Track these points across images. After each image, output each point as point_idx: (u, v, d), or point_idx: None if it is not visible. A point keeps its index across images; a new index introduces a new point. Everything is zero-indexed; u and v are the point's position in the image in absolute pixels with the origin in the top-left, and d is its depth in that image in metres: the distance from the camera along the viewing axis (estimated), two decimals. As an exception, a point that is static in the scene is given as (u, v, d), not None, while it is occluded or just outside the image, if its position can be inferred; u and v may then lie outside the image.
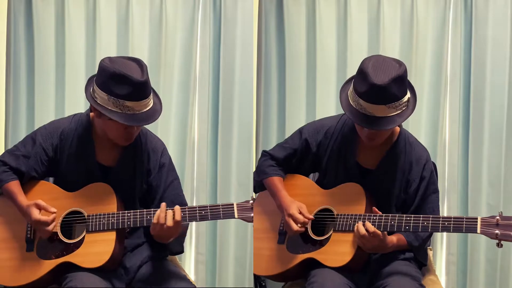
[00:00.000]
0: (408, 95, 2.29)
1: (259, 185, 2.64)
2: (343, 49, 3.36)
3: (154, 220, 2.26)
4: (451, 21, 3.32)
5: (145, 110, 2.28)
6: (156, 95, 2.40)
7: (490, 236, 2.11)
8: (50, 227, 2.30)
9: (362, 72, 2.25)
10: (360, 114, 2.26)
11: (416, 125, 3.33)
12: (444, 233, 3.35)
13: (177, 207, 2.27)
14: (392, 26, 3.34)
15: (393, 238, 2.35)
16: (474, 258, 3.34)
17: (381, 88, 2.19)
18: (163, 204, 2.28)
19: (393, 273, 2.33)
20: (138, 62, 2.31)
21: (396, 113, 2.24)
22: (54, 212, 2.31)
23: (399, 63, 2.28)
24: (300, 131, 2.60)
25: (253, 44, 3.38)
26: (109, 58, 2.31)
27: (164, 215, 2.26)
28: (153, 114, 2.31)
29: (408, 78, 3.24)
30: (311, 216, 2.42)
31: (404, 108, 2.26)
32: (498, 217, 2.11)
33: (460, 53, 3.33)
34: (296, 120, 3.34)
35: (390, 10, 3.34)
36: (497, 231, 2.10)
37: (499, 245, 2.12)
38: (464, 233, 3.34)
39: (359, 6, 3.35)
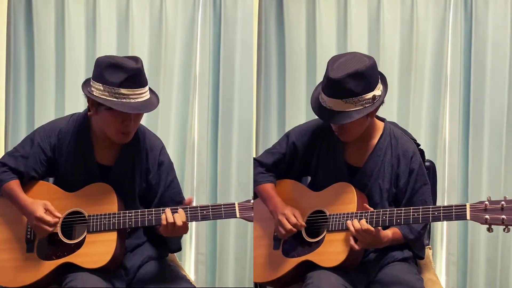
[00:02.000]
0: (376, 92, 2.30)
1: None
2: (343, 49, 3.35)
3: (163, 222, 2.27)
4: (451, 21, 3.33)
5: (140, 100, 2.28)
6: (153, 92, 2.40)
7: (480, 222, 2.12)
8: (50, 229, 2.31)
9: (327, 66, 2.31)
10: (321, 107, 2.32)
11: (416, 125, 3.33)
12: (444, 233, 3.36)
13: (180, 210, 2.28)
14: (392, 26, 3.34)
15: (388, 233, 2.34)
16: (474, 258, 3.34)
17: (335, 82, 2.23)
18: (168, 209, 2.29)
19: (395, 283, 2.32)
20: (134, 57, 2.33)
21: (355, 108, 2.26)
22: (59, 217, 2.32)
23: (368, 58, 2.30)
24: (287, 135, 2.60)
25: (253, 44, 3.38)
26: (105, 55, 2.34)
27: (171, 215, 2.27)
28: (149, 105, 2.31)
29: (408, 78, 3.30)
30: (303, 223, 2.42)
31: (368, 105, 2.28)
32: (486, 202, 2.12)
33: (460, 53, 3.33)
34: (296, 120, 3.33)
35: (390, 10, 3.34)
36: (486, 216, 2.11)
37: (489, 229, 2.12)
38: (464, 233, 3.36)
39: (359, 6, 3.35)
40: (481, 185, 3.31)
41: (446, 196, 3.34)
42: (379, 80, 2.33)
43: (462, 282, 3.37)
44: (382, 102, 2.34)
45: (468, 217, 2.14)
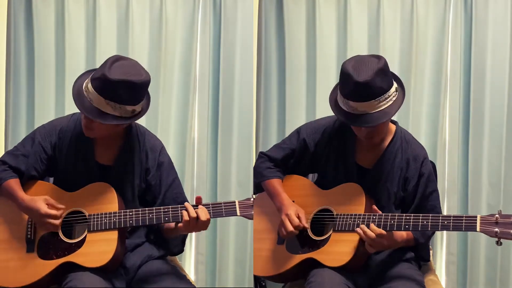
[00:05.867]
0: (395, 85, 2.31)
1: (257, 187, 2.64)
2: (343, 49, 3.36)
3: (186, 218, 2.26)
4: (451, 21, 3.33)
5: (102, 108, 2.25)
6: (147, 99, 2.38)
7: (489, 234, 2.12)
8: (58, 222, 2.31)
9: (344, 74, 2.26)
10: (354, 116, 2.27)
11: (416, 125, 3.33)
12: (444, 233, 3.36)
13: (200, 206, 2.29)
14: (392, 26, 3.34)
15: (403, 233, 2.35)
16: (474, 258, 3.34)
17: (365, 85, 2.21)
18: (188, 203, 2.30)
19: (397, 277, 2.33)
20: (138, 74, 2.28)
21: (387, 105, 2.26)
22: (63, 208, 2.33)
23: (378, 57, 2.30)
24: (297, 131, 2.60)
25: (253, 44, 3.39)
26: (121, 57, 2.33)
27: (194, 210, 2.27)
28: (102, 115, 2.26)
29: (408, 78, 3.30)
30: (307, 225, 2.42)
31: (394, 99, 2.29)
32: (497, 215, 2.12)
33: (460, 53, 3.33)
34: (296, 120, 3.34)
35: (390, 10, 3.34)
36: (496, 229, 2.10)
37: (498, 243, 2.12)
38: (464, 233, 3.36)
39: (359, 6, 3.35)
40: (481, 185, 3.31)
41: (446, 196, 3.35)
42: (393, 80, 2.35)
43: (462, 282, 3.37)
44: (404, 92, 2.36)
45: (478, 229, 2.13)
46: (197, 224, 2.28)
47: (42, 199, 2.33)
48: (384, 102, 2.25)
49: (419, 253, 2.49)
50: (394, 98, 2.28)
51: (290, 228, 2.40)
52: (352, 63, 2.27)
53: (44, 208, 2.31)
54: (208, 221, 2.29)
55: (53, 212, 2.31)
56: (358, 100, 2.24)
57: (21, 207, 2.36)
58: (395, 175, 2.44)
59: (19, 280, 2.31)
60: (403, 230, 2.30)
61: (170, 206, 2.32)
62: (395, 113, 2.29)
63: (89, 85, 2.26)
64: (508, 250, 3.31)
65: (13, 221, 2.40)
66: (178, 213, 2.30)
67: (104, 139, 2.41)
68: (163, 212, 2.31)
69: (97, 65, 2.34)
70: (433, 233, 2.49)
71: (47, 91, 3.31)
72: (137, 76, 2.26)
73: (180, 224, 2.30)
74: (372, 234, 2.24)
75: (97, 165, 2.43)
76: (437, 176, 2.73)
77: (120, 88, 2.23)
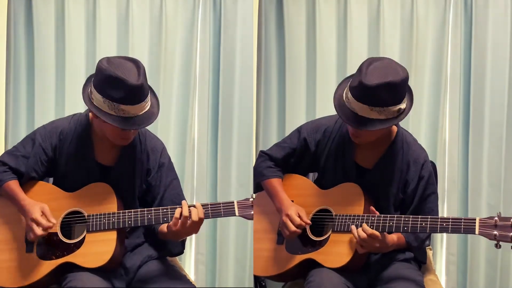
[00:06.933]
0: (402, 106, 2.27)
1: (258, 186, 2.64)
2: (343, 49, 3.36)
3: (177, 215, 2.24)
4: (451, 21, 3.33)
5: (140, 113, 2.26)
6: (154, 95, 2.38)
7: (488, 237, 2.11)
8: (42, 233, 2.28)
9: (360, 68, 2.27)
10: (345, 107, 2.28)
11: (416, 125, 3.33)
12: (444, 234, 3.35)
13: (198, 204, 2.27)
14: (392, 26, 3.34)
15: (394, 237, 2.35)
16: (474, 258, 3.34)
17: (367, 88, 2.19)
18: (185, 202, 2.28)
19: (396, 278, 2.33)
20: (136, 63, 2.28)
21: (379, 117, 2.23)
22: (53, 223, 2.30)
23: (403, 70, 2.27)
24: (298, 130, 2.60)
25: (253, 44, 3.38)
26: (107, 59, 2.29)
27: (188, 209, 2.25)
28: (149, 117, 2.29)
29: (408, 78, 3.29)
30: (308, 221, 2.42)
31: (391, 117, 2.25)
32: (496, 218, 2.11)
33: (460, 53, 3.33)
34: (296, 120, 3.33)
35: (390, 10, 3.34)
36: (495, 232, 2.09)
37: (497, 246, 2.11)
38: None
39: (359, 6, 3.35)
40: (481, 185, 3.31)
41: (446, 196, 3.34)
42: (406, 93, 2.31)
43: (462, 282, 3.37)
44: (406, 115, 2.31)
45: (476, 231, 2.12)
46: (188, 225, 2.24)
47: (39, 206, 2.32)
48: (376, 113, 2.22)
49: (415, 257, 2.48)
50: (390, 117, 2.25)
51: (293, 228, 2.39)
52: (376, 62, 2.26)
53: (36, 214, 2.29)
54: (200, 222, 2.25)
55: (42, 221, 2.28)
56: (354, 97, 2.23)
57: (19, 209, 2.36)
58: (395, 177, 2.43)
59: (18, 280, 2.31)
60: (402, 232, 2.30)
61: (168, 207, 2.32)
62: (376, 129, 2.25)
63: (120, 106, 2.22)
64: (508, 251, 3.29)
65: (13, 222, 2.40)
66: None
67: (105, 139, 2.41)
68: (162, 212, 2.31)
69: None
70: (428, 237, 2.47)
71: (47, 91, 3.30)
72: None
73: (170, 223, 2.28)
74: (363, 234, 2.24)
75: (98, 165, 2.43)
76: (437, 177, 2.73)
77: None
